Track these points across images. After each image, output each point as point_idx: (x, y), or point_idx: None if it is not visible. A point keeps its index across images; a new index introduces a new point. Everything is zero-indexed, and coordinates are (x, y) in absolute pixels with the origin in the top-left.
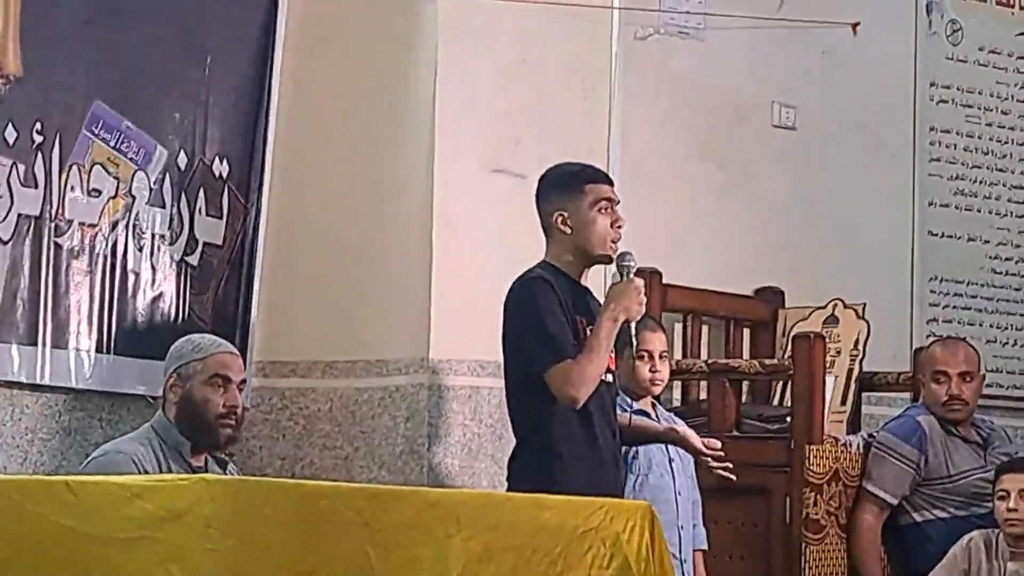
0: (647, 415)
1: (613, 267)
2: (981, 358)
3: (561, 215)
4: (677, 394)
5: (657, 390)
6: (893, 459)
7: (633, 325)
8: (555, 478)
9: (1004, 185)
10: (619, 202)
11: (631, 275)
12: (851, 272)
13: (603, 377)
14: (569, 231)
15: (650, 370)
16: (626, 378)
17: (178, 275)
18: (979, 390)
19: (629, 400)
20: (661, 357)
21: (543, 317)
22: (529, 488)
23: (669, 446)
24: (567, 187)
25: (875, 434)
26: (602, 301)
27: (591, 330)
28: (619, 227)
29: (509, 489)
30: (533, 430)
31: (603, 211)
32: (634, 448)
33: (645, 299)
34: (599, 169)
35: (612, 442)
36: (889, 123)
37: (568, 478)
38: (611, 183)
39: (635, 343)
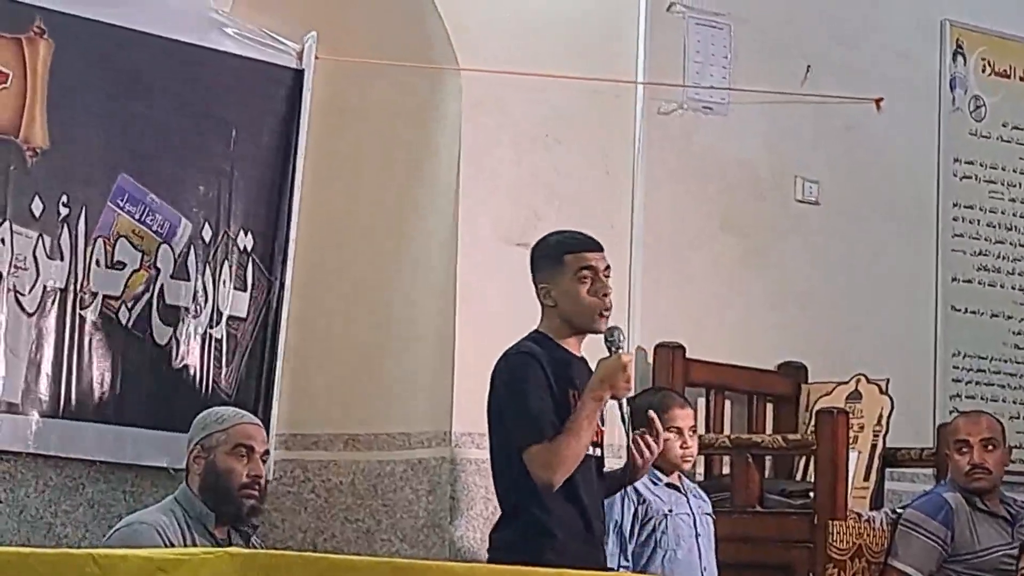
0: (676, 489)
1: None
2: (1005, 430)
3: (545, 288)
4: (700, 468)
5: (687, 466)
6: (920, 535)
7: (624, 403)
8: (540, 553)
9: None
10: (607, 268)
11: (619, 351)
12: (874, 347)
13: (591, 452)
14: (553, 304)
15: (681, 446)
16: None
17: (202, 348)
18: (1003, 461)
19: (658, 475)
20: (691, 432)
21: (526, 394)
22: (511, 561)
23: (696, 521)
24: (548, 259)
25: (900, 511)
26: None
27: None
28: (605, 296)
29: (490, 561)
30: (518, 504)
31: (584, 280)
32: (663, 523)
33: (632, 376)
34: (584, 236)
35: (597, 514)
36: (912, 199)
37: (553, 553)
38: (598, 249)
39: (627, 420)
